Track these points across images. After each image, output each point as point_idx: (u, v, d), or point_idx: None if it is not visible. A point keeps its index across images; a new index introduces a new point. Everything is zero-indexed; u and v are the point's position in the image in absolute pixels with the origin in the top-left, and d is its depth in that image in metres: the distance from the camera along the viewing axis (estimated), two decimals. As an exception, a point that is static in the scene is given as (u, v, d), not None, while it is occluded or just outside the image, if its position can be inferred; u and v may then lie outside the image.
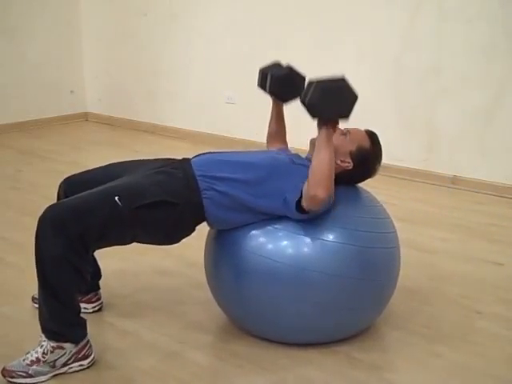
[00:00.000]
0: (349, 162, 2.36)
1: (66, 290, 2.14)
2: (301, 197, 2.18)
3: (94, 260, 2.51)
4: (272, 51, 4.29)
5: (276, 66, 2.57)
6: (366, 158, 2.38)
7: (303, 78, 2.48)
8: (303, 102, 2.12)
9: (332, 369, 2.28)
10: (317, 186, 2.11)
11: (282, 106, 2.66)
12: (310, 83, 2.12)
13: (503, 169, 4.26)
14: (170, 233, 2.30)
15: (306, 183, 2.16)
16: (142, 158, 2.55)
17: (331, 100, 2.08)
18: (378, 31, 4.53)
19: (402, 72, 4.52)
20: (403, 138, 4.57)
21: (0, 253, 3.21)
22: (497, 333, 2.56)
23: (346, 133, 2.38)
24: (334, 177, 2.17)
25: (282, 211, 2.25)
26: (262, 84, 2.59)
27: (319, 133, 2.16)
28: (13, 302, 2.72)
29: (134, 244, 2.32)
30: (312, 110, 2.10)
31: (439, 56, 4.35)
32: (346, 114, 2.11)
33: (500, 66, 4.15)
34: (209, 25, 5.42)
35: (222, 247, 2.37)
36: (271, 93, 2.58)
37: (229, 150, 2.60)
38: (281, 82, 2.52)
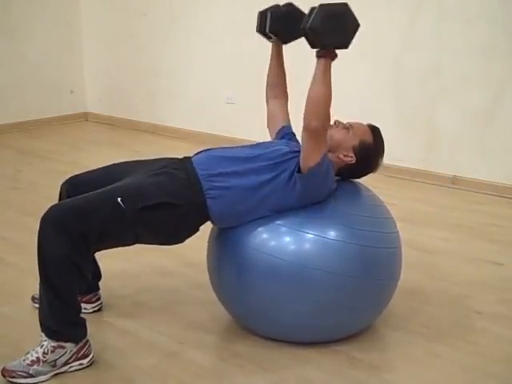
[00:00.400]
0: (351, 157, 2.36)
1: (67, 290, 2.15)
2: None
3: (94, 261, 2.51)
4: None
5: (275, 6, 2.54)
6: (369, 152, 2.38)
7: (304, 14, 2.41)
8: (304, 29, 2.07)
9: (332, 369, 2.28)
10: (311, 116, 2.11)
11: (282, 48, 2.62)
12: (313, 8, 2.08)
13: (503, 169, 4.26)
14: (172, 233, 2.30)
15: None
16: (144, 158, 2.54)
17: (333, 26, 2.03)
18: (378, 31, 4.52)
19: (402, 72, 4.51)
20: (403, 138, 4.56)
21: (0, 253, 3.21)
22: (497, 333, 2.56)
23: (348, 127, 2.38)
24: (330, 107, 2.15)
25: (287, 183, 2.24)
26: (261, 28, 2.54)
27: (317, 63, 2.11)
28: (13, 302, 2.72)
29: (135, 244, 2.32)
30: (313, 35, 2.05)
31: (439, 56, 4.35)
32: (346, 43, 2.07)
33: (500, 66, 4.14)
34: (209, 25, 5.42)
35: (225, 244, 2.37)
36: (271, 32, 2.52)
37: (229, 146, 2.59)
38: (281, 20, 2.49)
